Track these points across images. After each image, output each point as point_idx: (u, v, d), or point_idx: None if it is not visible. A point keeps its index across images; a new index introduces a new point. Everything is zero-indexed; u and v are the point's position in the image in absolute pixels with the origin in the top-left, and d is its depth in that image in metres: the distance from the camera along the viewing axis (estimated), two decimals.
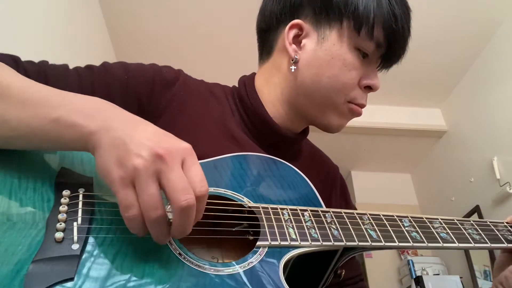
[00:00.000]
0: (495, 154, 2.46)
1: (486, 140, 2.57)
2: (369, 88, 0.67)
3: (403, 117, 3.00)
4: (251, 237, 0.53)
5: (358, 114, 0.69)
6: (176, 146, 0.41)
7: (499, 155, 2.43)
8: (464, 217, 2.77)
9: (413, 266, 2.84)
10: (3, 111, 0.44)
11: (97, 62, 0.65)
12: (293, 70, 0.66)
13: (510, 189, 2.30)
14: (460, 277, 2.61)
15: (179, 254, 0.44)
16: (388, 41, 0.64)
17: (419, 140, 3.14)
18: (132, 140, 0.40)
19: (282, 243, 0.48)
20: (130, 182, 0.39)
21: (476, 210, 2.60)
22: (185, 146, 0.42)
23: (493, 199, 2.45)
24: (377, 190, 3.47)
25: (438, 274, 2.78)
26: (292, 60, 0.66)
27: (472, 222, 0.61)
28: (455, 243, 0.57)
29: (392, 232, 0.55)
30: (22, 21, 1.43)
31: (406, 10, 0.65)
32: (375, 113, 2.93)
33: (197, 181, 0.40)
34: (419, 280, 2.63)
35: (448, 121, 3.03)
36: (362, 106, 0.68)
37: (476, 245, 0.58)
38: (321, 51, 0.65)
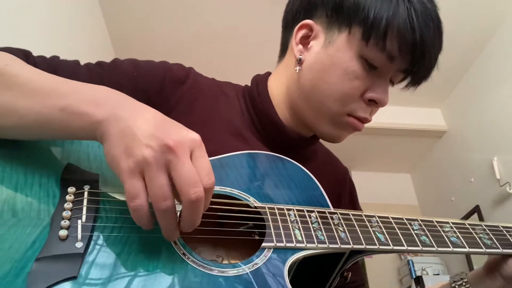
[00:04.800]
0: (495, 154, 2.46)
1: (486, 140, 2.57)
2: (374, 102, 0.63)
3: (403, 117, 3.00)
4: (257, 237, 0.53)
5: (356, 129, 0.64)
6: (185, 137, 0.41)
7: (499, 155, 2.43)
8: (464, 217, 2.76)
9: (413, 266, 2.83)
10: (12, 100, 0.44)
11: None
12: (297, 71, 0.64)
13: (510, 189, 2.30)
14: None
15: (183, 254, 0.44)
16: (404, 55, 0.59)
17: (419, 140, 3.14)
18: (141, 130, 0.39)
19: (288, 245, 0.48)
20: (138, 172, 0.39)
21: (476, 210, 2.60)
22: (194, 137, 0.42)
23: (493, 199, 2.45)
24: (377, 190, 3.46)
25: (438, 274, 2.77)
26: (297, 60, 0.64)
27: (483, 226, 0.60)
28: (466, 248, 0.55)
29: (400, 236, 0.54)
30: (23, 21, 1.42)
31: (430, 22, 0.58)
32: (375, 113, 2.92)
33: (205, 174, 0.40)
34: (419, 280, 2.63)
35: (448, 121, 3.03)
36: (365, 120, 0.64)
37: (487, 250, 0.56)
38: (324, 55, 0.62)
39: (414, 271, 2.80)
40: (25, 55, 0.57)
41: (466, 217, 2.66)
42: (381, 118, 3.09)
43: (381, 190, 3.45)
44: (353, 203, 0.78)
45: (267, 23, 2.35)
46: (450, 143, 3.00)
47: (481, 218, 2.51)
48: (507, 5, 2.31)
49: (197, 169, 0.40)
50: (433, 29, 0.59)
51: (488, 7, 2.31)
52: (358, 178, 3.67)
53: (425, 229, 0.56)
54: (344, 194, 0.77)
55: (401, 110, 3.04)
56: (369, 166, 3.56)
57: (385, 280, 3.09)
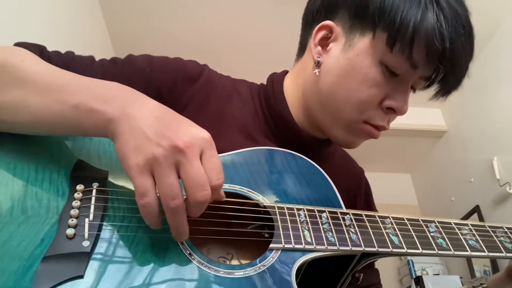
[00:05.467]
0: (495, 154, 2.45)
1: (486, 140, 2.57)
2: (392, 111, 0.60)
3: (403, 117, 2.97)
4: (266, 235, 0.52)
5: (372, 136, 0.62)
6: (195, 137, 0.40)
7: (499, 155, 2.43)
8: (463, 217, 2.75)
9: (413, 266, 2.83)
10: (24, 97, 0.44)
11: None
12: (317, 74, 0.62)
13: (510, 189, 2.29)
14: (460, 277, 2.60)
15: (189, 254, 0.43)
16: (430, 63, 0.55)
17: (419, 140, 3.14)
18: (151, 129, 0.40)
19: (296, 246, 0.47)
20: (147, 169, 0.39)
21: (476, 210, 2.60)
22: (205, 136, 0.42)
23: (493, 199, 2.45)
24: (377, 190, 3.40)
25: (438, 274, 2.77)
26: (315, 63, 0.62)
27: (505, 228, 0.57)
28: (485, 252, 0.53)
29: (415, 238, 0.52)
30: (22, 21, 1.42)
31: (460, 28, 0.55)
32: None
33: (214, 174, 0.41)
34: (419, 280, 2.62)
35: (448, 121, 3.03)
36: (381, 128, 0.61)
37: (508, 254, 0.54)
38: (344, 59, 0.59)
39: (414, 271, 2.80)
40: (40, 50, 0.57)
41: (466, 217, 2.66)
42: None
43: (381, 190, 3.43)
44: (368, 204, 0.77)
45: (269, 23, 2.35)
46: (450, 143, 3.00)
47: (481, 218, 2.51)
48: (507, 5, 2.31)
49: (207, 169, 0.40)
50: (464, 36, 0.55)
51: (488, 7, 2.31)
52: None
53: (442, 231, 0.54)
54: (359, 195, 0.75)
55: None
56: (369, 166, 3.54)
57: (385, 280, 3.07)
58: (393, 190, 3.47)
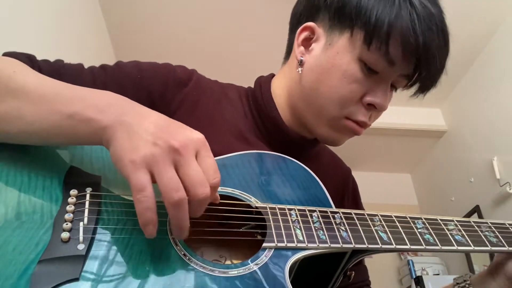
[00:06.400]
0: (495, 154, 2.45)
1: (486, 140, 2.57)
2: (373, 107, 0.62)
3: (403, 117, 3.00)
4: (259, 236, 0.53)
5: (355, 132, 0.64)
6: (190, 138, 0.41)
7: (499, 155, 2.43)
8: (464, 217, 2.76)
9: (413, 266, 2.83)
10: (19, 108, 0.44)
11: (96, 63, 0.65)
12: (299, 72, 0.65)
13: (510, 189, 2.29)
14: None
15: (184, 255, 0.44)
16: (407, 60, 0.58)
17: (419, 140, 3.14)
18: (147, 132, 0.40)
19: (289, 245, 0.48)
20: (144, 166, 0.39)
21: (476, 210, 2.60)
22: (199, 137, 0.43)
23: (493, 199, 2.44)
24: (376, 190, 3.45)
25: (438, 274, 2.77)
26: (298, 62, 0.65)
27: (489, 224, 0.59)
28: (471, 246, 0.54)
29: (404, 234, 0.53)
30: (21, 22, 1.42)
31: (433, 26, 0.57)
32: None
33: (211, 173, 0.41)
34: (419, 280, 2.62)
35: (448, 121, 3.03)
36: (363, 124, 0.63)
37: (493, 248, 0.55)
38: (324, 57, 0.62)
39: (414, 271, 2.80)
40: (29, 60, 0.57)
41: (466, 217, 2.65)
42: (381, 118, 3.06)
43: (381, 190, 3.45)
44: (356, 203, 0.78)
45: (270, 25, 2.35)
46: (450, 143, 2.99)
47: (481, 218, 2.51)
48: (507, 5, 2.31)
49: (204, 168, 0.41)
50: (437, 33, 0.57)
51: (488, 7, 2.31)
52: (358, 178, 3.60)
53: (429, 227, 0.55)
54: (347, 195, 0.77)
55: (401, 110, 3.04)
56: (369, 166, 3.56)
57: (385, 280, 3.09)
58: (393, 190, 3.47)
